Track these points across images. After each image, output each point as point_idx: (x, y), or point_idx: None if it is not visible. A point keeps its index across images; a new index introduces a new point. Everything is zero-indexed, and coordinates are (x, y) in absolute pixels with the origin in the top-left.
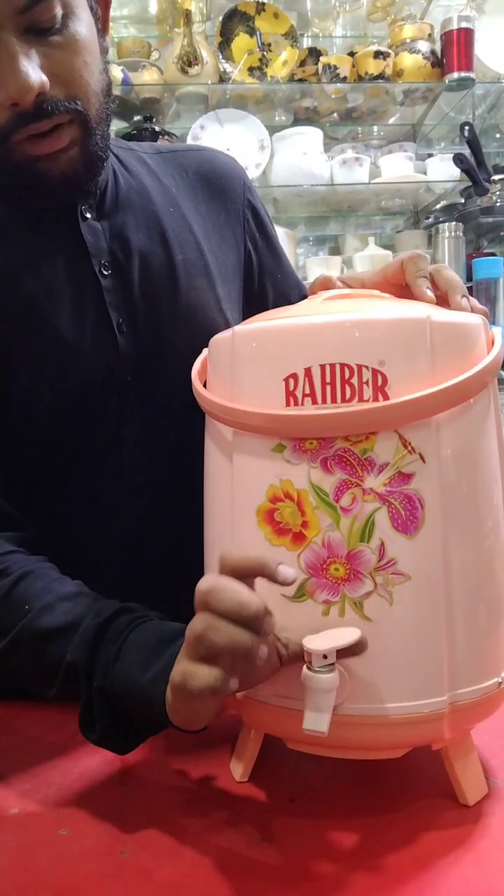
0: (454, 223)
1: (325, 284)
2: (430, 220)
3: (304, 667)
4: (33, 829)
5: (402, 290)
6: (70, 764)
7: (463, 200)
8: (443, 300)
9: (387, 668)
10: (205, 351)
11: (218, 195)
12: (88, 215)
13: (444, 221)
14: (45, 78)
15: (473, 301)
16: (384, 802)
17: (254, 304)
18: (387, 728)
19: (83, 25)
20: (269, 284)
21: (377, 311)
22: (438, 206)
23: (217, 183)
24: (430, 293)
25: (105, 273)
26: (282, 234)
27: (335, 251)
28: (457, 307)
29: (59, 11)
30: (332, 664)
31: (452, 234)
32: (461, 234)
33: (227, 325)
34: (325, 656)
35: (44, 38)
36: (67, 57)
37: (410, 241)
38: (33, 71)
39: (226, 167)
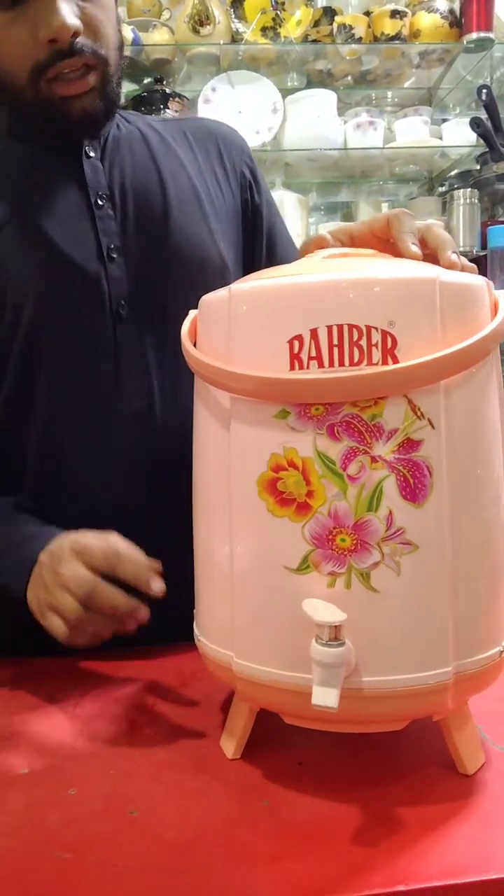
0: (469, 190)
1: (319, 243)
2: (445, 186)
3: (314, 641)
4: (42, 789)
5: (387, 245)
6: (79, 725)
7: (479, 167)
8: (430, 258)
9: (393, 640)
10: (193, 312)
11: (216, 153)
12: (92, 154)
13: (458, 188)
14: (79, 23)
15: (463, 259)
16: (384, 770)
17: (256, 260)
18: (392, 700)
19: None
20: (269, 239)
21: (385, 269)
22: (453, 173)
23: (215, 143)
24: (416, 249)
25: (100, 203)
26: (293, 199)
27: (348, 218)
28: (447, 264)
29: None
30: (342, 638)
31: (467, 200)
32: (476, 200)
33: (221, 258)
34: (335, 630)
35: None
36: (96, 11)
37: (424, 208)
38: (71, 15)
39: (227, 133)
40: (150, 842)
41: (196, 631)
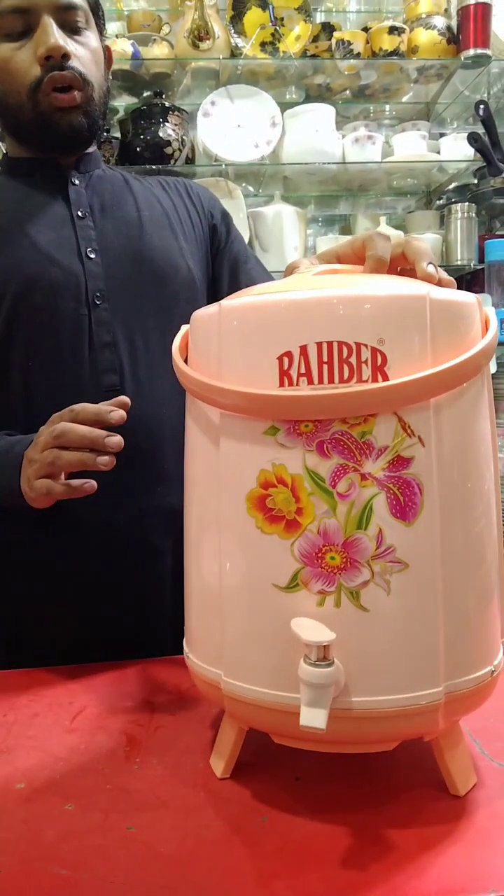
0: (467, 204)
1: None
2: (443, 200)
3: (302, 661)
4: (39, 803)
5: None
6: (76, 739)
7: (476, 181)
8: (411, 273)
9: (383, 660)
10: (184, 327)
11: (186, 194)
12: (77, 182)
13: (456, 202)
14: (70, 48)
15: (441, 272)
16: (380, 788)
17: (219, 288)
18: (382, 721)
19: (94, 38)
20: (231, 268)
21: (374, 286)
22: (451, 187)
23: (185, 187)
24: (382, 265)
25: (81, 215)
26: (291, 212)
27: (346, 231)
28: (423, 275)
29: (82, 20)
30: (331, 658)
31: (465, 214)
32: (474, 214)
33: (189, 270)
34: (324, 649)
35: (70, 33)
36: (84, 50)
37: (422, 222)
38: (63, 39)
39: (200, 187)
40: (148, 857)
41: (185, 649)
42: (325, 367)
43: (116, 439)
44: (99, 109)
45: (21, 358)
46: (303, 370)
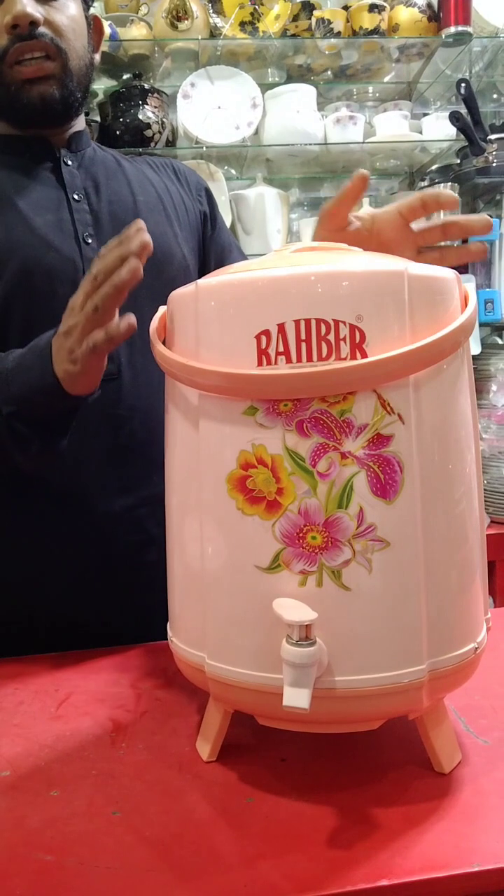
0: (450, 184)
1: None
2: (426, 181)
3: (284, 641)
4: (24, 790)
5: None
6: (61, 726)
7: (459, 161)
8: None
9: (366, 639)
10: (162, 308)
11: (174, 176)
12: (70, 163)
13: (439, 182)
14: (39, 15)
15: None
16: (365, 767)
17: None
18: (366, 700)
19: (73, 6)
20: (218, 259)
21: (352, 263)
22: (434, 167)
23: (173, 169)
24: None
25: (76, 199)
26: (274, 195)
27: None
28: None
29: None
30: (313, 637)
31: None
32: (457, 195)
33: (184, 257)
34: (306, 629)
35: (44, 1)
36: (59, 15)
37: None
38: (31, 5)
39: (187, 169)
40: (133, 841)
41: (169, 632)
42: (304, 344)
43: (140, 238)
44: (77, 81)
45: (18, 339)
46: (281, 349)
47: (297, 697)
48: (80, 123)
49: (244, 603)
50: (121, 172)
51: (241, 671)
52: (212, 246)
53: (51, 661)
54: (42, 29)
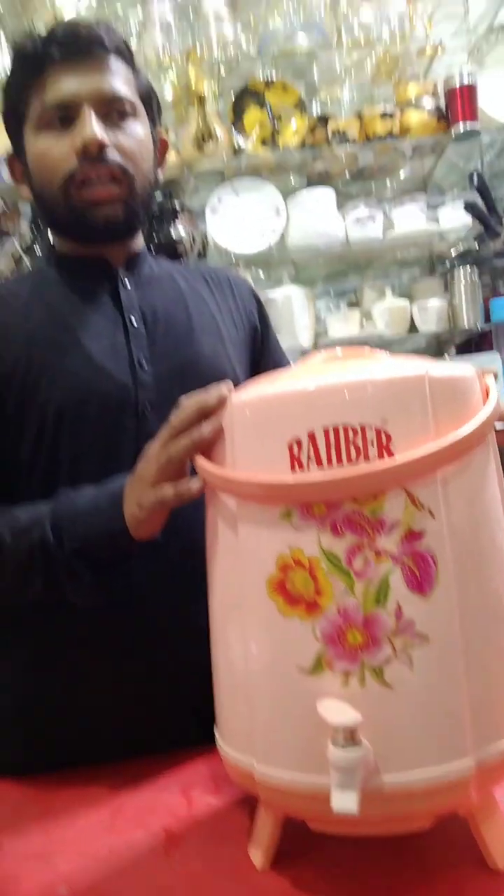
0: (469, 268)
1: None
2: (446, 266)
3: (329, 744)
4: None
5: None
6: (115, 839)
7: (477, 245)
8: None
9: (411, 735)
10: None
11: (230, 294)
12: (128, 285)
13: (459, 267)
14: (108, 138)
15: None
16: (417, 871)
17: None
18: (414, 798)
19: (141, 128)
20: (267, 367)
21: (375, 370)
22: (453, 253)
23: (229, 286)
24: None
25: (133, 321)
26: (300, 294)
27: (354, 304)
28: None
29: (129, 109)
30: (359, 739)
31: (468, 279)
32: (477, 278)
33: (235, 376)
34: (351, 731)
35: (114, 124)
36: (127, 139)
37: (427, 289)
38: (101, 130)
39: (237, 278)
40: None
41: (217, 737)
42: (333, 450)
43: (217, 392)
44: (141, 201)
45: (68, 465)
46: (311, 454)
47: (345, 801)
48: (138, 242)
49: (289, 706)
50: (176, 290)
51: (289, 775)
52: (264, 365)
53: (101, 770)
54: (110, 153)
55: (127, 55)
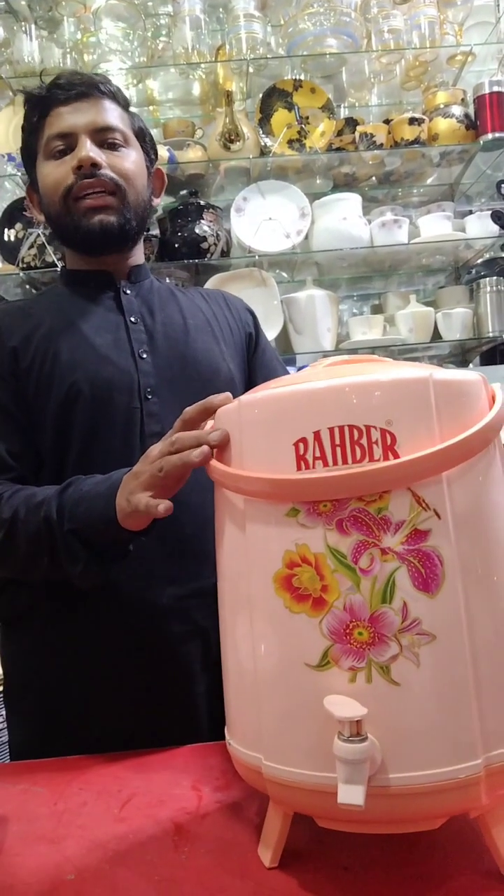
0: (495, 277)
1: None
2: (472, 274)
3: (336, 738)
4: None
5: None
6: (124, 829)
7: None
8: None
9: (418, 734)
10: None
11: (224, 305)
12: (128, 292)
13: (485, 276)
14: (101, 160)
15: None
16: (428, 875)
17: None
18: (422, 797)
19: (134, 154)
20: (265, 376)
21: (380, 372)
22: (479, 261)
23: (224, 298)
24: None
25: (133, 321)
26: (323, 296)
27: (377, 309)
28: None
29: (120, 139)
30: (364, 733)
31: (494, 288)
32: (503, 287)
33: (230, 370)
34: (357, 725)
35: (108, 150)
36: (120, 160)
37: (452, 297)
38: (94, 151)
39: (233, 296)
40: None
41: (227, 735)
42: (339, 449)
43: (219, 433)
44: (135, 213)
45: (79, 445)
46: (317, 454)
47: (351, 794)
48: (138, 258)
49: (297, 702)
50: (174, 300)
51: (297, 771)
52: (257, 363)
53: (114, 759)
54: (104, 170)
55: (121, 100)
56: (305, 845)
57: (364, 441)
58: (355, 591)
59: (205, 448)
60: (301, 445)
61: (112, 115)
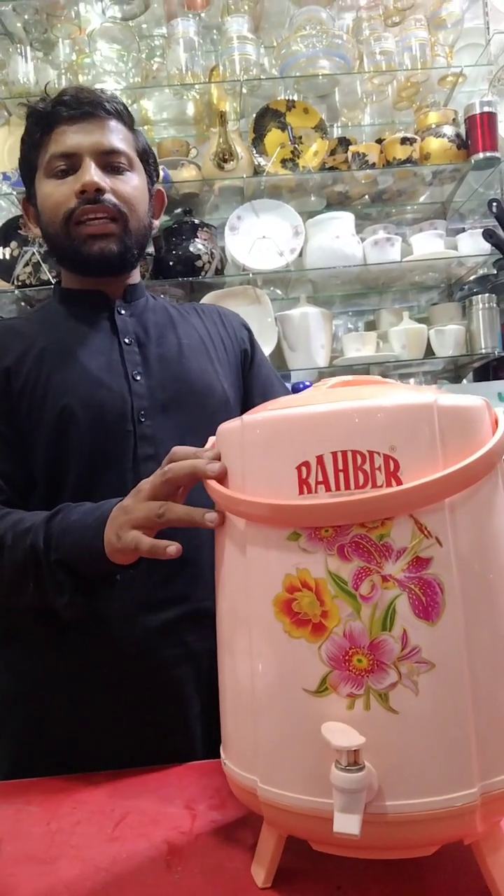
0: (487, 294)
1: None
2: (464, 291)
3: (333, 766)
4: None
5: None
6: (117, 849)
7: (496, 272)
8: None
9: (415, 762)
10: (211, 439)
11: (219, 322)
12: (123, 312)
13: (477, 293)
14: (105, 185)
15: None
16: None
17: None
18: (418, 825)
19: (138, 178)
20: (262, 392)
21: (385, 397)
22: (471, 278)
23: (218, 315)
24: None
25: (127, 342)
26: (317, 313)
27: (371, 326)
28: None
29: (124, 163)
30: (362, 763)
31: (486, 305)
32: (495, 304)
33: (224, 390)
34: (354, 754)
35: (111, 173)
36: (123, 185)
37: (445, 314)
38: (98, 176)
39: (228, 311)
40: None
41: (222, 755)
42: (342, 474)
43: (218, 466)
44: (136, 240)
45: (72, 468)
46: (320, 478)
47: (347, 823)
48: (134, 277)
49: (294, 726)
50: (168, 319)
51: (292, 795)
52: (253, 379)
53: (107, 779)
54: (107, 196)
55: (126, 118)
56: (299, 865)
57: (367, 466)
58: (355, 617)
59: (213, 515)
60: (304, 469)
61: (117, 136)
